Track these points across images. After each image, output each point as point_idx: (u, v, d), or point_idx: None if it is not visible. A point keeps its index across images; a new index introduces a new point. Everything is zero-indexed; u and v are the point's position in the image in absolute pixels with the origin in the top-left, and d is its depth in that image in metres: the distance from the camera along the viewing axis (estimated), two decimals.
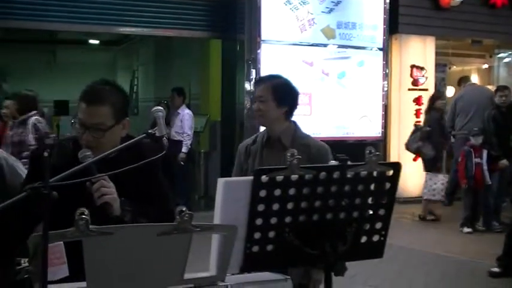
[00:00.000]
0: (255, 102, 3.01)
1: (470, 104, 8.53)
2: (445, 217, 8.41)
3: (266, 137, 3.02)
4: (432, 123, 8.12)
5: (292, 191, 1.74)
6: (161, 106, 2.20)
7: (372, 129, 9.04)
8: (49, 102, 15.88)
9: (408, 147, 8.45)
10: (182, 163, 8.47)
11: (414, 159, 8.39)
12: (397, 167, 1.88)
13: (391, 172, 1.88)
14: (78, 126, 2.20)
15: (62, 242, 1.66)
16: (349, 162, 1.81)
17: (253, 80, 8.15)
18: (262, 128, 3.12)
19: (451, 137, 8.92)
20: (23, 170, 2.60)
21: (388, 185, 1.89)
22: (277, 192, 1.72)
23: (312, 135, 3.26)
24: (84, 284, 1.62)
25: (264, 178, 1.69)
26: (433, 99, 8.37)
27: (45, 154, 1.46)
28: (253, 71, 8.17)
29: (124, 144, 1.81)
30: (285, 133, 2.97)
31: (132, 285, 1.67)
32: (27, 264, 1.54)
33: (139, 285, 1.68)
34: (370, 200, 1.88)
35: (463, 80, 9.36)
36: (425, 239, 7.24)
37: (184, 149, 8.50)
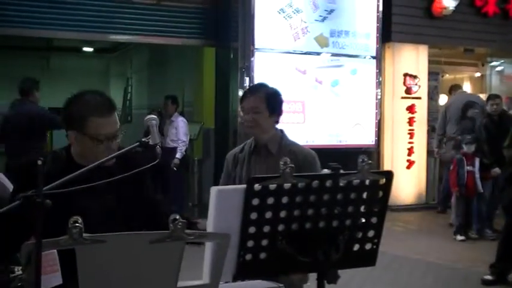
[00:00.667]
0: (247, 113, 3.00)
1: (458, 111, 8.61)
2: (438, 225, 8.43)
3: (253, 144, 3.05)
4: (465, 132, 8.08)
5: (285, 199, 1.75)
6: (154, 114, 2.21)
7: (365, 137, 9.07)
8: None
9: (442, 157, 8.41)
10: (175, 169, 8.50)
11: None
12: (389, 175, 1.90)
13: (383, 180, 1.89)
14: (97, 142, 2.16)
15: (55, 250, 1.67)
16: (341, 171, 1.83)
17: (247, 87, 8.17)
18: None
19: (443, 144, 8.99)
20: (6, 181, 2.61)
21: (380, 193, 1.90)
22: (270, 200, 1.73)
23: (305, 143, 3.29)
24: None
25: (256, 186, 1.70)
26: (465, 109, 8.40)
27: (39, 162, 1.47)
28: (247, 78, 8.19)
29: (117, 153, 1.81)
30: (271, 140, 3.01)
31: None
32: (20, 272, 1.54)
33: None
34: (362, 208, 1.90)
35: (454, 88, 9.46)
36: (418, 247, 7.25)
37: (178, 155, 8.53)
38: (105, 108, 2.20)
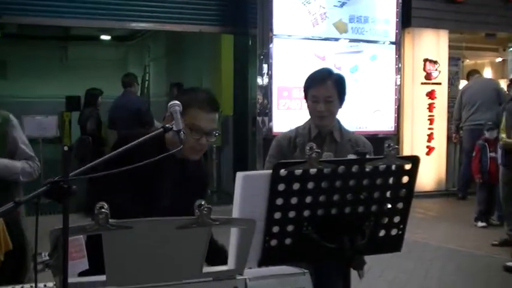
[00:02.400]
0: (317, 102, 2.84)
1: (475, 95, 8.55)
2: (458, 211, 8.37)
3: (316, 132, 2.93)
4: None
5: (310, 185, 1.73)
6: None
7: (384, 124, 9.00)
8: (60, 97, 15.96)
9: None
10: None
11: None
12: (415, 160, 1.87)
13: (409, 166, 1.87)
14: (191, 132, 2.32)
15: (82, 236, 1.67)
16: (367, 156, 1.81)
17: (265, 74, 8.14)
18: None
19: (459, 129, 8.94)
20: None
21: (406, 179, 1.88)
22: (296, 186, 1.72)
23: None
24: (103, 277, 1.63)
25: (282, 172, 1.68)
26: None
27: (65, 149, 1.46)
28: (265, 65, 8.14)
29: (143, 138, 1.81)
30: (334, 128, 2.93)
31: (151, 278, 1.68)
32: (47, 257, 1.55)
33: (159, 278, 1.69)
34: (388, 194, 1.88)
35: (471, 73, 9.37)
36: (439, 234, 7.21)
37: None
38: (208, 105, 2.38)
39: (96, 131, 8.88)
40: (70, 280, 1.52)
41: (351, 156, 1.88)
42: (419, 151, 9.45)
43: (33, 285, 1.62)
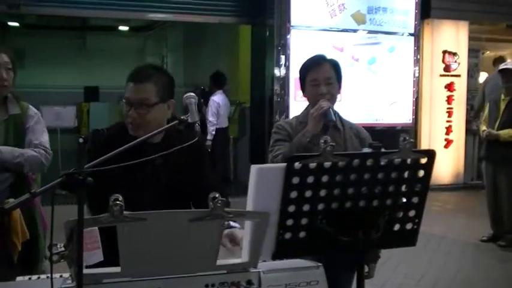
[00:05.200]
0: (317, 85, 2.73)
1: (495, 87, 8.34)
2: (476, 205, 8.30)
3: None
4: None
5: (325, 178, 1.72)
6: (196, 92, 2.22)
7: (402, 116, 8.94)
8: (79, 88, 16.07)
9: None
10: (209, 150, 8.44)
11: None
12: (431, 154, 1.85)
13: (425, 160, 1.85)
14: (125, 105, 2.29)
15: (96, 228, 1.68)
16: (382, 150, 1.79)
17: (283, 65, 8.13)
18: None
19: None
20: None
21: (421, 173, 1.86)
22: (310, 179, 1.71)
23: None
24: (118, 268, 1.64)
25: (297, 165, 1.68)
26: None
27: (81, 141, 1.47)
28: (283, 56, 8.14)
29: (160, 129, 1.82)
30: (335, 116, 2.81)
31: (166, 270, 1.68)
32: (63, 248, 1.56)
33: (173, 271, 1.69)
34: (403, 188, 1.86)
35: (498, 61, 9.18)
36: (456, 227, 7.17)
37: (208, 136, 8.47)
38: (133, 76, 2.31)
39: None
40: (85, 271, 1.54)
41: (366, 150, 1.85)
42: (438, 144, 9.39)
43: (49, 275, 1.64)
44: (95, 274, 1.66)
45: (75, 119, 10.15)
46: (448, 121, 9.62)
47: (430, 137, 9.55)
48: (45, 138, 3.18)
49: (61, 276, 1.76)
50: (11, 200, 2.76)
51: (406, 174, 1.84)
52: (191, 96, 2.04)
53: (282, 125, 2.88)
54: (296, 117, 2.91)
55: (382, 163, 1.78)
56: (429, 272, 5.42)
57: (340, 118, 2.87)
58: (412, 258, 5.57)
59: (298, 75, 2.90)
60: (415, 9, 8.91)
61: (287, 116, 7.76)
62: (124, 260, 1.61)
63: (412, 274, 5.34)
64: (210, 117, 8.61)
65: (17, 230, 2.90)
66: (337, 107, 2.88)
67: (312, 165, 1.69)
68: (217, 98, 8.79)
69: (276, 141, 2.81)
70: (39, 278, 1.80)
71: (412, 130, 9.14)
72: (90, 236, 1.69)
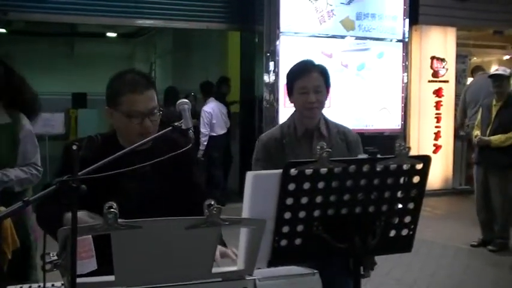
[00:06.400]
0: (306, 93, 2.69)
1: (477, 94, 8.36)
2: (465, 210, 8.33)
3: (303, 130, 2.78)
4: None
5: (321, 184, 1.71)
6: (189, 99, 2.20)
7: (391, 122, 8.97)
8: (67, 94, 15.99)
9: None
10: (202, 159, 8.35)
11: None
12: (427, 160, 1.85)
13: (420, 165, 1.85)
14: (128, 119, 2.19)
15: (90, 236, 1.66)
16: (378, 155, 1.78)
17: (272, 71, 8.12)
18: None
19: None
20: None
21: (417, 179, 1.86)
22: (306, 185, 1.70)
23: None
24: (112, 277, 1.62)
25: (293, 171, 1.66)
26: None
27: (74, 147, 1.45)
28: (272, 63, 8.14)
29: (152, 137, 1.80)
30: (320, 122, 2.79)
31: (160, 278, 1.66)
32: (56, 257, 1.54)
33: (168, 279, 1.67)
34: (399, 194, 1.86)
35: (475, 70, 9.26)
36: (446, 232, 7.19)
37: (201, 147, 8.32)
38: (137, 86, 2.21)
39: None
40: (78, 280, 1.51)
41: (362, 156, 1.84)
42: (426, 149, 9.42)
43: (41, 284, 1.61)
44: (89, 283, 1.63)
45: (64, 126, 10.08)
46: (436, 126, 9.67)
47: (419, 143, 9.59)
48: (36, 157, 3.20)
49: (53, 285, 1.74)
50: (2, 208, 2.73)
51: (402, 180, 1.83)
52: (184, 103, 2.02)
53: (265, 141, 2.82)
54: (281, 126, 2.87)
55: (378, 169, 1.77)
56: (421, 277, 5.42)
57: (327, 122, 2.83)
58: (403, 264, 5.58)
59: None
60: (404, 16, 8.95)
61: (277, 123, 7.74)
62: (118, 269, 1.59)
63: (404, 279, 5.34)
64: (202, 129, 8.42)
65: (7, 238, 2.87)
66: (327, 112, 2.87)
67: (308, 171, 1.68)
68: (209, 108, 8.60)
69: (256, 160, 2.80)
70: (30, 287, 1.77)
71: (401, 136, 9.17)
72: (84, 245, 1.67)
